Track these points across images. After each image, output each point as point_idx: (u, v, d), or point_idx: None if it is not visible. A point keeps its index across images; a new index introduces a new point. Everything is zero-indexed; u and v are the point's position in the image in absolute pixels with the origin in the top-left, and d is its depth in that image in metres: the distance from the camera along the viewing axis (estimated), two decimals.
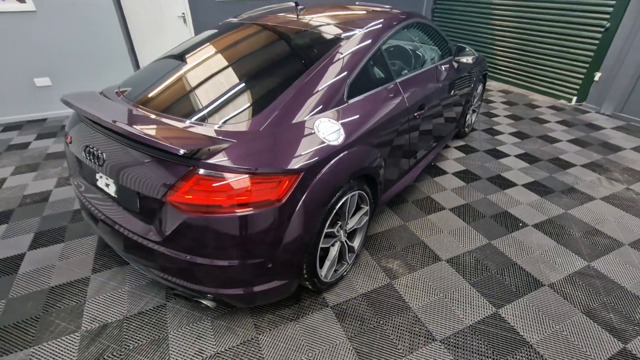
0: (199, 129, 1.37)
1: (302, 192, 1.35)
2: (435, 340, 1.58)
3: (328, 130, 1.51)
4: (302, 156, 1.36)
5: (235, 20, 2.24)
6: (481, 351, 1.53)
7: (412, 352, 1.53)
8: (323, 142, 1.45)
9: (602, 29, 4.09)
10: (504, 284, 1.87)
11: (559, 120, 4.14)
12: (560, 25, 4.52)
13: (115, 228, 1.48)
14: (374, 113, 1.77)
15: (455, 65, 2.71)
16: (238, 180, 1.22)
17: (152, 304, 1.74)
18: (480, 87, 3.46)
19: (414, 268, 1.97)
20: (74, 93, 1.60)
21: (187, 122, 1.42)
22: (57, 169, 3.01)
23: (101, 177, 1.52)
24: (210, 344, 1.56)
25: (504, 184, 2.82)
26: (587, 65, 4.35)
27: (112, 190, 1.48)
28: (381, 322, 1.66)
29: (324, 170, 1.43)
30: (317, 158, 1.40)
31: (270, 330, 1.62)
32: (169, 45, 4.70)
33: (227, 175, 1.22)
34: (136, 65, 4.55)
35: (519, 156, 3.27)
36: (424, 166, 2.56)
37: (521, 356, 1.51)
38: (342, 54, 1.72)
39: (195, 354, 1.52)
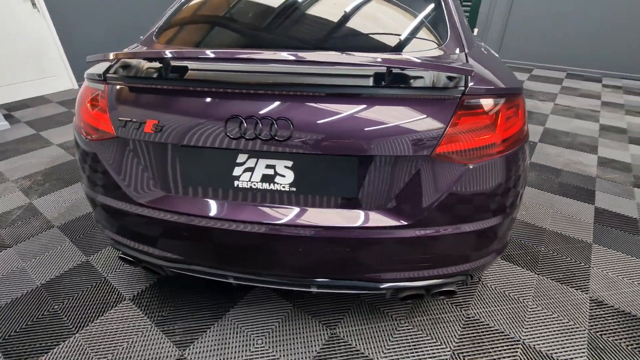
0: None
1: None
2: None
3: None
4: (509, 76, 1.17)
5: None
6: None
7: None
8: (502, 65, 1.28)
9: None
10: None
11: None
12: None
13: (302, 235, 0.96)
14: None
15: None
16: (508, 106, 0.98)
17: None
18: None
19: None
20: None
21: (377, 55, 1.04)
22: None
23: (255, 167, 0.95)
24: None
25: None
26: None
27: (286, 180, 0.95)
28: None
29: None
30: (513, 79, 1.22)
31: None
32: None
33: (499, 102, 0.97)
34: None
35: None
36: None
37: None
38: None
39: None
